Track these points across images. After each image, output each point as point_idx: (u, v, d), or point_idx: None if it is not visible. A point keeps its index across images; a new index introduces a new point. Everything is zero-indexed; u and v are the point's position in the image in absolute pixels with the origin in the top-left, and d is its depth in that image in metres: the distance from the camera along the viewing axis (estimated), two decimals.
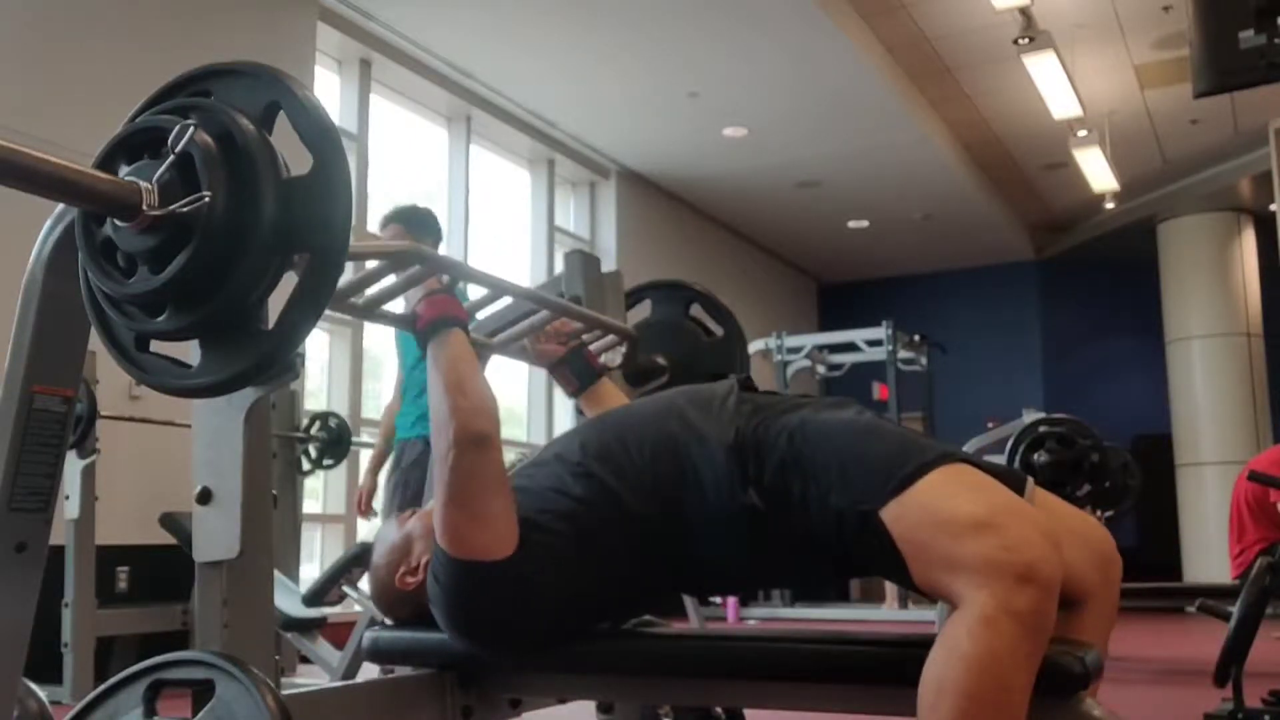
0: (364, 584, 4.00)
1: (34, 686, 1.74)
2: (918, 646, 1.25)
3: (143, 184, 1.07)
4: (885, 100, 7.55)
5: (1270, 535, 4.41)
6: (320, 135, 1.10)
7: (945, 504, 1.29)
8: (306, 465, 5.34)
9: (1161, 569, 8.00)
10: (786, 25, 6.45)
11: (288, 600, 3.94)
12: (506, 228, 8.23)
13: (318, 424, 5.41)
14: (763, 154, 8.52)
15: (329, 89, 6.46)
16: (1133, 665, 4.62)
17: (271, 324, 1.12)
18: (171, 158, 1.06)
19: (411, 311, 1.55)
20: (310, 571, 5.60)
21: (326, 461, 5.43)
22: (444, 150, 7.45)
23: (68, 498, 3.92)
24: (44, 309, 1.47)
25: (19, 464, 1.45)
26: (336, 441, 5.41)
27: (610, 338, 2.09)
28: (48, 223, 1.50)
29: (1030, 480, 1.48)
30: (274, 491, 1.34)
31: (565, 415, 8.00)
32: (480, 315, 1.96)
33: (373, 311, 1.59)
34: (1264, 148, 8.28)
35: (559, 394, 8.33)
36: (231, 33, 5.47)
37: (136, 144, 1.11)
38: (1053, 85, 6.94)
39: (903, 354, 8.45)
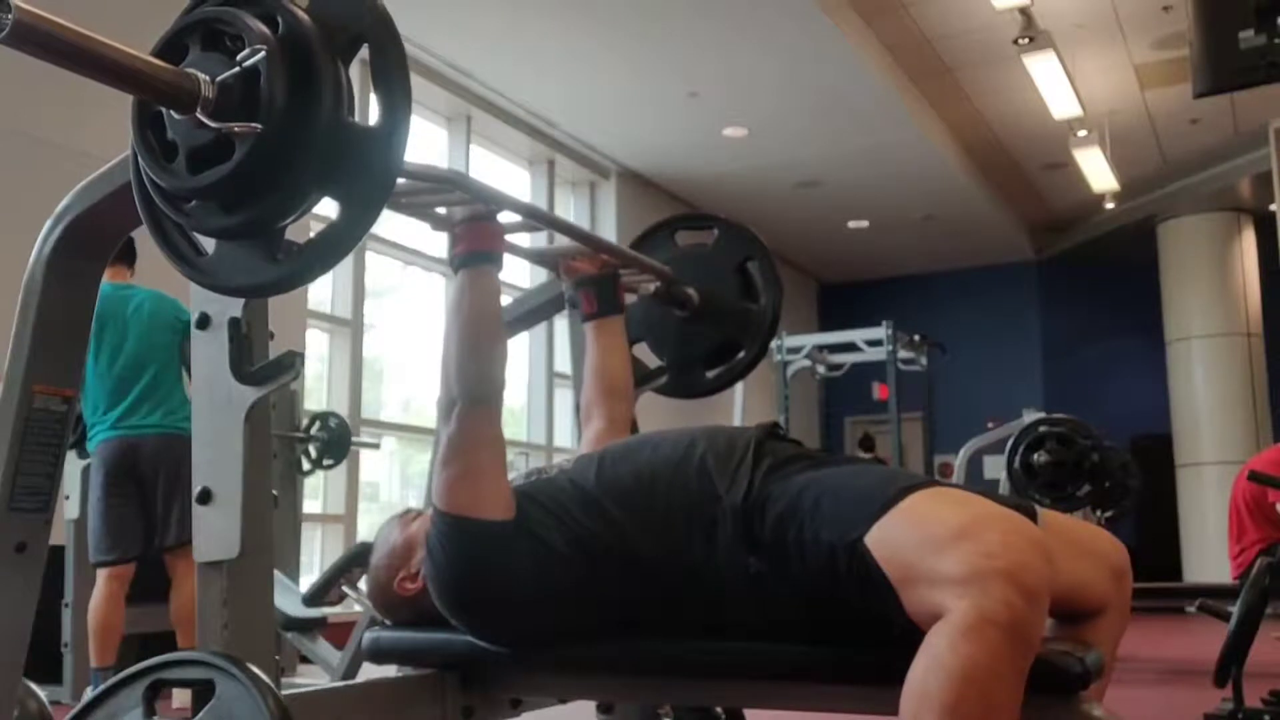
0: (364, 584, 4.00)
1: (34, 686, 1.74)
2: (917, 647, 1.24)
3: (202, 79, 1.05)
4: (885, 100, 7.55)
5: (1270, 535, 4.41)
6: (398, 92, 1.09)
7: (925, 520, 1.26)
8: (306, 465, 5.34)
9: (1161, 569, 8.00)
10: (786, 25, 6.45)
11: (288, 600, 3.94)
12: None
13: (318, 424, 5.41)
14: (763, 154, 8.52)
15: None
16: (1133, 665, 4.61)
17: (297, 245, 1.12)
18: (237, 69, 1.04)
19: (452, 228, 1.53)
20: (310, 570, 5.59)
21: (326, 461, 5.43)
22: (444, 150, 7.45)
23: (68, 498, 3.92)
24: (44, 309, 1.47)
25: (19, 464, 1.45)
26: (336, 441, 5.41)
27: (647, 274, 2.07)
28: (48, 223, 1.50)
29: (1038, 509, 1.46)
30: (274, 491, 1.33)
31: (566, 415, 8.00)
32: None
33: (413, 208, 1.57)
34: (1264, 148, 8.28)
35: (560, 394, 8.34)
36: None
37: (215, 32, 1.09)
38: (1053, 85, 6.94)
39: (903, 354, 8.44)
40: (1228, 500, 4.66)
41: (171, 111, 1.08)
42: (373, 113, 1.10)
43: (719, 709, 2.16)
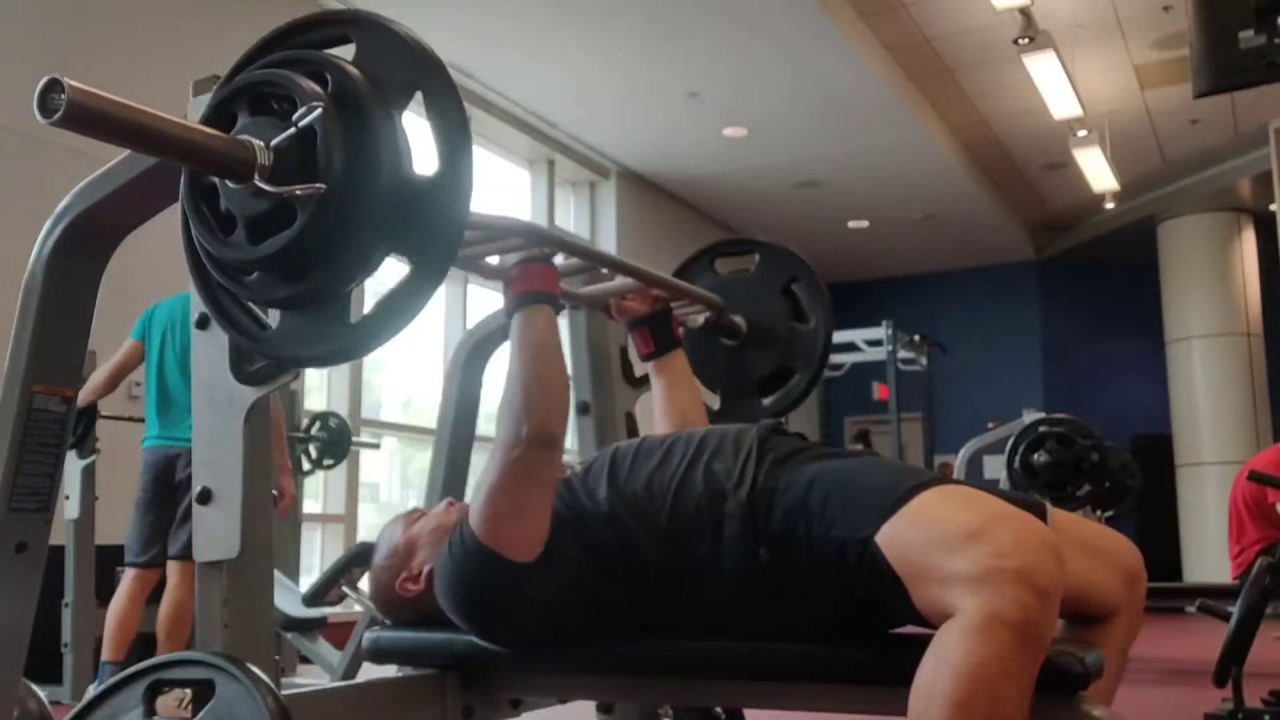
0: (364, 584, 4.00)
1: (34, 686, 1.74)
2: (918, 647, 1.24)
3: (257, 145, 1.02)
4: (885, 101, 7.55)
5: (1269, 535, 4.41)
6: (456, 138, 1.04)
7: (937, 520, 1.26)
8: (306, 465, 5.34)
9: (1161, 569, 7.99)
10: (787, 25, 6.45)
11: (288, 600, 3.94)
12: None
13: (318, 424, 5.41)
14: (763, 154, 8.52)
15: None
16: (1133, 665, 4.60)
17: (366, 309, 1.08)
18: (293, 130, 1.01)
19: (506, 273, 1.50)
20: (310, 570, 5.59)
21: (326, 461, 5.43)
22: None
23: (68, 498, 3.92)
24: (44, 309, 1.47)
25: (19, 464, 1.45)
26: (336, 441, 5.41)
27: (696, 305, 2.05)
28: (48, 223, 1.50)
29: (1050, 506, 1.46)
30: (274, 491, 1.33)
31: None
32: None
33: (467, 259, 1.55)
34: (1264, 148, 8.28)
35: None
36: (231, 33, 5.47)
37: (263, 95, 1.05)
38: (1053, 85, 6.94)
39: (903, 354, 8.45)
40: (1228, 500, 4.66)
41: (227, 181, 1.04)
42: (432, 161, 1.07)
43: (719, 709, 2.16)
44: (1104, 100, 8.03)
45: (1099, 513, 5.58)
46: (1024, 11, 6.20)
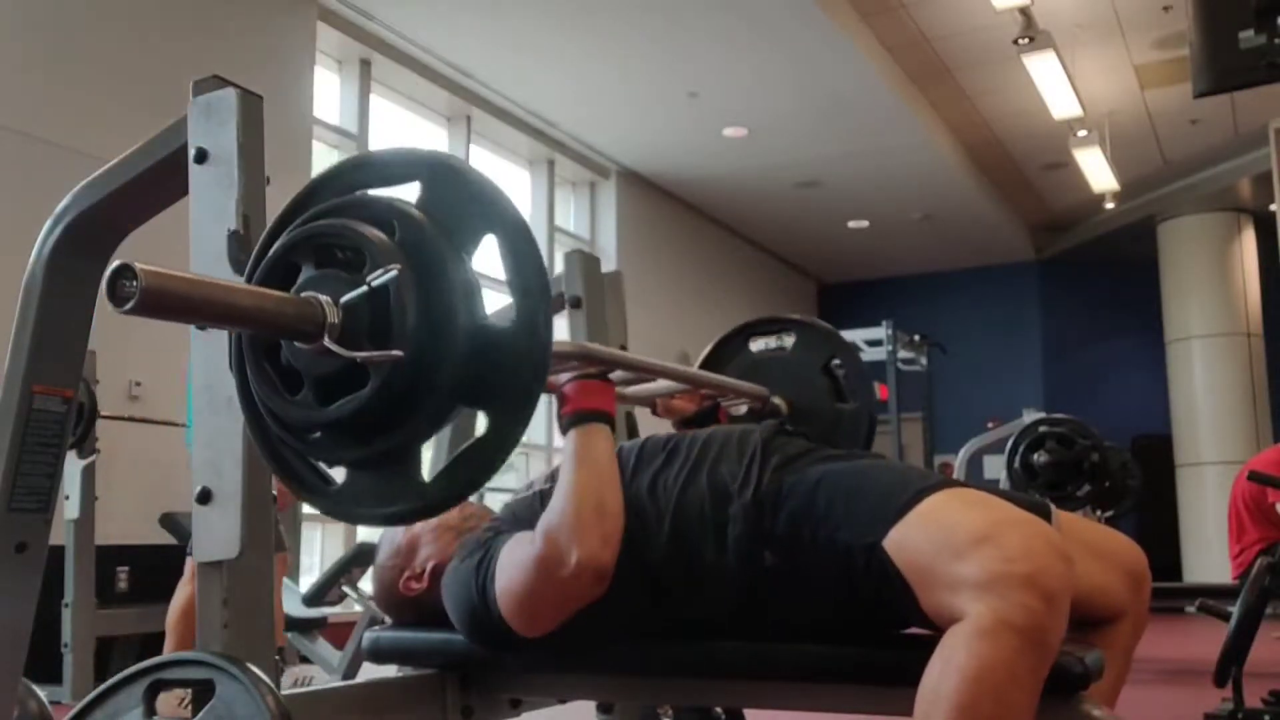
0: (364, 584, 4.00)
1: (34, 686, 1.74)
2: (918, 647, 1.24)
3: (326, 303, 0.96)
4: (885, 101, 7.55)
5: (1269, 535, 4.41)
6: (534, 287, 0.99)
7: (945, 524, 1.25)
8: None
9: (1161, 569, 7.96)
10: (786, 25, 6.45)
11: (288, 600, 3.94)
12: None
13: None
14: (763, 154, 8.51)
15: (329, 89, 6.46)
16: (1133, 665, 4.60)
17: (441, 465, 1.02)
18: (366, 289, 0.95)
19: (560, 389, 1.45)
20: (310, 570, 5.59)
21: None
22: (444, 150, 7.44)
23: (68, 498, 3.92)
24: (44, 309, 1.47)
25: (19, 464, 1.45)
26: None
27: (742, 398, 2.02)
28: (48, 223, 1.50)
29: (1054, 507, 1.46)
30: (274, 491, 1.33)
31: None
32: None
33: None
34: (1264, 148, 8.27)
35: None
36: (231, 33, 5.47)
37: (328, 246, 1.00)
38: (1053, 85, 6.94)
39: (903, 354, 8.45)
40: (1228, 500, 4.66)
41: (295, 342, 0.99)
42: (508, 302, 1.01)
43: (719, 709, 2.16)
44: (1104, 100, 8.03)
45: (1099, 513, 5.58)
46: (1024, 11, 6.20)
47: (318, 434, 1.01)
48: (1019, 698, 1.15)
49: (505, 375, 0.98)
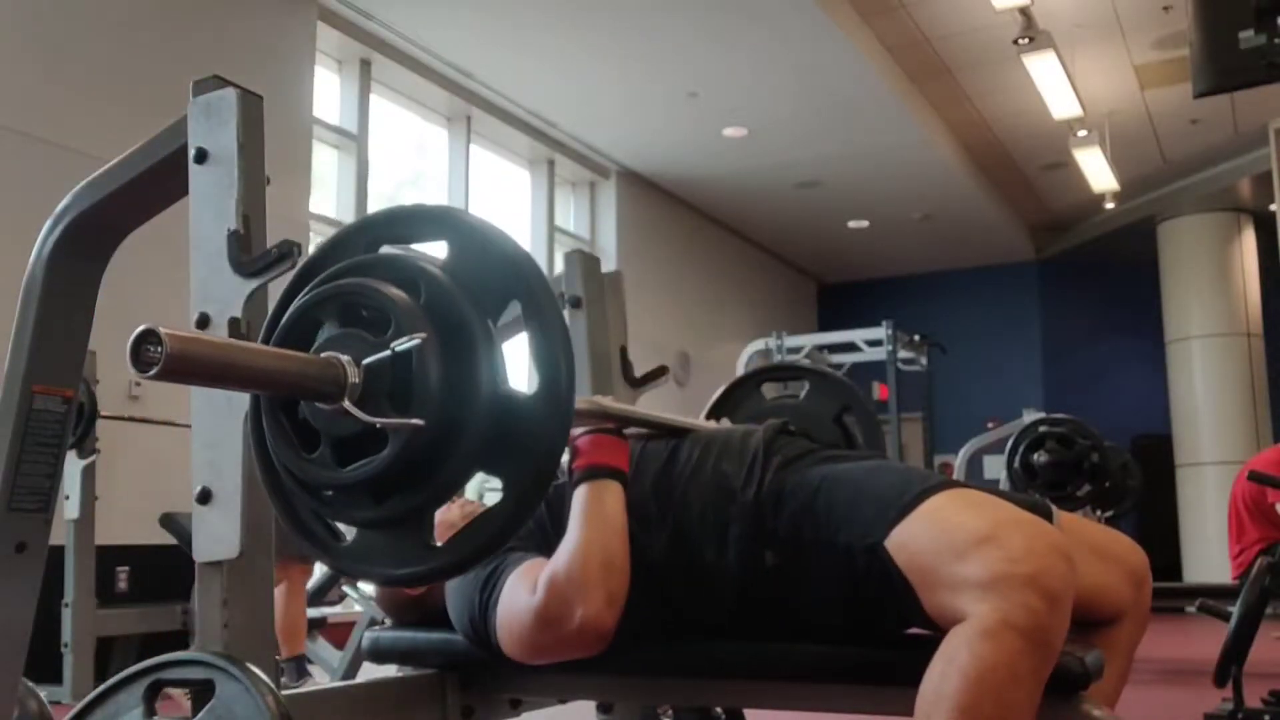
0: (364, 584, 4.00)
1: (34, 686, 1.74)
2: (918, 647, 1.24)
3: (346, 363, 0.96)
4: (885, 100, 7.55)
5: (1269, 535, 4.41)
6: (558, 358, 0.98)
7: (947, 524, 1.25)
8: None
9: (1161, 569, 7.96)
10: (786, 25, 6.44)
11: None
12: (506, 228, 8.23)
13: None
14: (763, 154, 8.51)
15: (329, 89, 6.46)
16: (1133, 665, 4.60)
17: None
18: (389, 354, 0.95)
19: (573, 443, 1.44)
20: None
21: None
22: (444, 150, 7.45)
23: (68, 498, 3.92)
24: (44, 309, 1.47)
25: (19, 464, 1.45)
26: None
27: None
28: (48, 223, 1.50)
29: (1055, 508, 1.46)
30: None
31: None
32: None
33: None
34: (1264, 148, 8.28)
35: None
36: (231, 33, 5.47)
37: (351, 305, 1.00)
38: (1053, 85, 6.94)
39: (903, 354, 8.45)
40: (1228, 500, 4.66)
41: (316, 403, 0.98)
42: (531, 378, 1.01)
43: (719, 709, 2.16)
44: (1104, 100, 8.03)
45: (1099, 513, 5.58)
46: (1024, 11, 6.20)
47: (332, 492, 1.01)
48: (1021, 698, 1.15)
49: (525, 443, 0.98)
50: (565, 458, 1.45)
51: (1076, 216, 10.85)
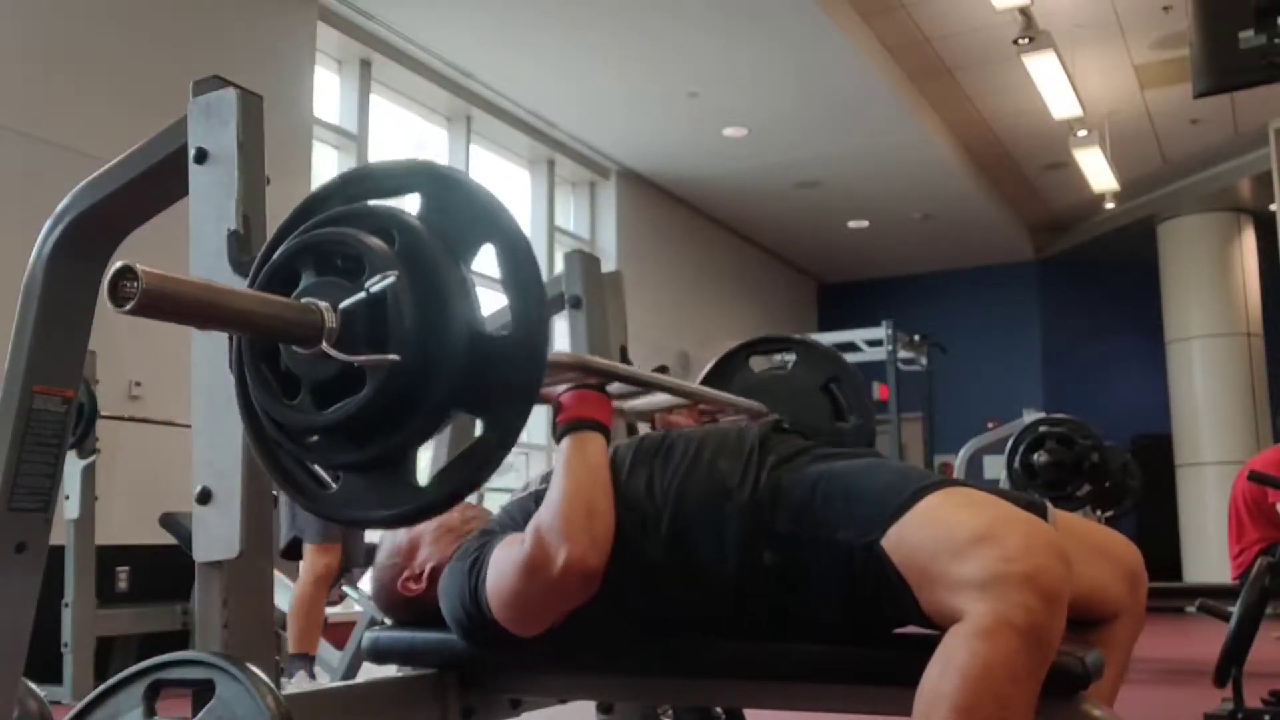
0: (364, 584, 4.00)
1: (34, 686, 1.74)
2: (918, 647, 1.24)
3: (324, 308, 0.98)
4: (885, 100, 7.55)
5: (1269, 535, 4.41)
6: (531, 296, 1.01)
7: (944, 523, 1.25)
8: None
9: (1161, 569, 7.99)
10: (787, 25, 6.45)
11: (288, 600, 3.93)
12: None
13: None
14: (763, 154, 8.52)
15: (329, 89, 6.46)
16: (1133, 665, 4.60)
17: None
18: (364, 295, 0.97)
19: (557, 398, 1.47)
20: None
21: None
22: (444, 150, 7.45)
23: (68, 498, 3.92)
24: (44, 309, 1.47)
25: (19, 464, 1.45)
26: None
27: (740, 415, 2.02)
28: (48, 223, 1.50)
29: (1051, 506, 1.46)
30: (274, 491, 1.33)
31: None
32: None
33: None
34: (1264, 148, 8.28)
35: None
36: (232, 32, 5.47)
37: (326, 255, 1.02)
38: (1053, 85, 6.94)
39: (903, 354, 8.45)
40: (1228, 500, 4.66)
41: (293, 346, 1.01)
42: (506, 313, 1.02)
43: (719, 709, 2.16)
44: (1104, 100, 8.03)
45: (1099, 513, 5.58)
46: (1024, 11, 6.21)
47: (314, 438, 1.03)
48: (1019, 697, 1.15)
49: (501, 380, 1.00)
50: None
51: (1076, 216, 10.85)
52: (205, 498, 1.30)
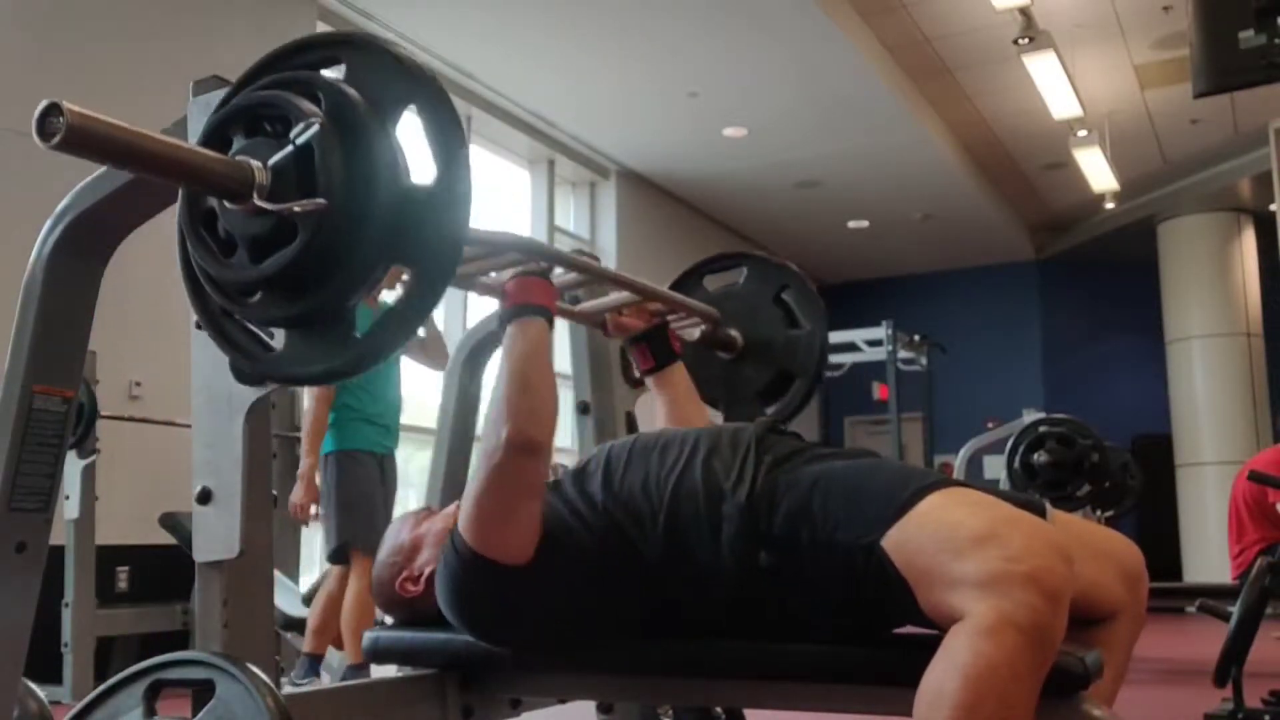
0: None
1: (34, 686, 1.74)
2: (918, 647, 1.25)
3: (255, 165, 1.03)
4: (885, 100, 7.55)
5: (1269, 535, 4.41)
6: (452, 149, 1.05)
7: (945, 523, 1.25)
8: None
9: (1161, 569, 7.98)
10: (787, 25, 6.45)
11: (288, 600, 3.94)
12: (507, 228, 8.23)
13: None
14: (763, 154, 8.52)
15: None
16: (1133, 665, 4.60)
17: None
18: (291, 148, 1.02)
19: (500, 288, 1.51)
20: (310, 570, 5.58)
21: None
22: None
23: (68, 498, 3.92)
24: (44, 309, 1.47)
25: (19, 464, 1.45)
26: None
27: (692, 319, 2.05)
28: (48, 223, 1.50)
29: (1049, 506, 1.46)
30: (274, 491, 1.33)
31: (566, 415, 7.99)
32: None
33: (465, 277, 1.56)
34: (1264, 148, 8.28)
35: (560, 394, 8.31)
36: (230, 32, 5.47)
37: (257, 116, 1.07)
38: (1053, 85, 6.94)
39: (903, 354, 8.45)
40: (1228, 500, 4.66)
41: (226, 202, 1.05)
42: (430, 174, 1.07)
43: (719, 709, 2.16)
44: (1104, 100, 8.03)
45: (1099, 513, 5.58)
46: (1024, 11, 6.20)
47: (254, 297, 1.07)
48: (1021, 696, 1.15)
49: (428, 232, 1.04)
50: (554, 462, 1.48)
51: (1076, 216, 10.85)
52: (205, 498, 1.30)
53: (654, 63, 6.99)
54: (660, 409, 1.94)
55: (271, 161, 1.02)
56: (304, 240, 1.01)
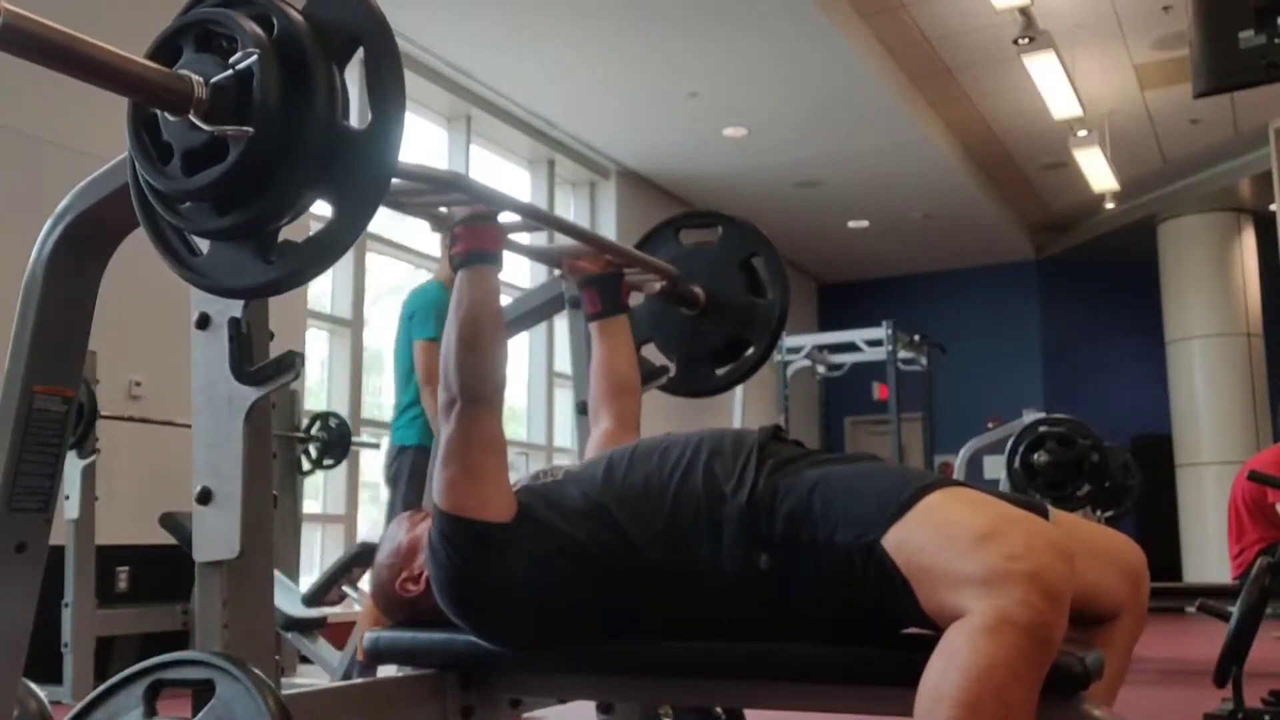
0: (364, 584, 4.00)
1: (34, 686, 1.74)
2: (918, 647, 1.25)
3: (195, 80, 1.05)
4: (885, 100, 7.55)
5: (1269, 535, 4.41)
6: (390, 95, 1.08)
7: (946, 522, 1.25)
8: (306, 465, 5.34)
9: (1161, 569, 7.96)
10: (786, 25, 6.44)
11: (288, 600, 3.94)
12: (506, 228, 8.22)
13: (318, 424, 5.41)
14: (763, 154, 8.51)
15: None
16: (1133, 665, 4.60)
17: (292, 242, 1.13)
18: (230, 72, 1.04)
19: (450, 232, 1.54)
20: (310, 570, 5.59)
21: (326, 461, 5.43)
22: (444, 150, 7.45)
23: (68, 498, 3.92)
24: (44, 309, 1.47)
25: (19, 464, 1.45)
26: (336, 441, 5.41)
27: (651, 274, 2.08)
28: (48, 223, 1.50)
29: (1051, 507, 1.47)
30: (274, 491, 1.33)
31: (566, 415, 8.01)
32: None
33: (414, 207, 1.58)
34: (1264, 148, 8.27)
35: (560, 394, 8.34)
36: None
37: (209, 33, 1.09)
38: (1053, 85, 6.94)
39: (903, 354, 8.44)
40: (1228, 500, 4.66)
41: (165, 114, 1.08)
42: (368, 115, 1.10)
43: (719, 709, 2.16)
44: (1104, 100, 8.03)
45: (1099, 513, 5.58)
46: (1024, 11, 6.20)
47: (186, 204, 1.11)
48: (1021, 695, 1.15)
49: (355, 170, 1.07)
50: (552, 466, 1.48)
51: (1076, 216, 10.85)
52: (205, 498, 1.30)
53: (654, 63, 6.99)
54: (596, 354, 1.98)
55: (214, 79, 1.05)
56: (233, 160, 1.04)
